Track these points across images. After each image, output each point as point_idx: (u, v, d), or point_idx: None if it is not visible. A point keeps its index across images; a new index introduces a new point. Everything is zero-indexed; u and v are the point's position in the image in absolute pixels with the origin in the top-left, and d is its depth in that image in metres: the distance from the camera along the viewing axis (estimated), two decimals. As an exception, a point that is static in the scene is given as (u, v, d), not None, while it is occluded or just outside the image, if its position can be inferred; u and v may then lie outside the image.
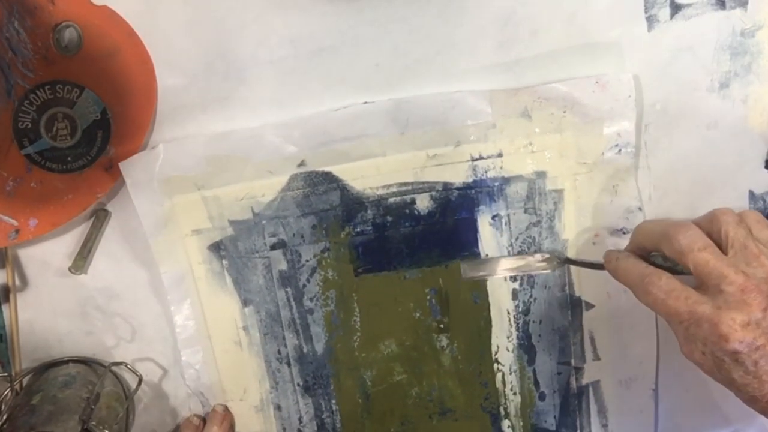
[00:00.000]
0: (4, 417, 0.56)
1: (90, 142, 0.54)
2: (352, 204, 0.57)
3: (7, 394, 0.59)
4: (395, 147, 0.56)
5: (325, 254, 0.59)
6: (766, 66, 0.56)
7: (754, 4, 0.55)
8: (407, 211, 0.58)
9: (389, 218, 0.58)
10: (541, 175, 0.57)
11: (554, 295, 0.60)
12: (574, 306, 0.60)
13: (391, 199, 0.57)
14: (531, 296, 0.60)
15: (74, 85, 0.52)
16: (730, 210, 0.50)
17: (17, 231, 0.55)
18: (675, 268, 0.49)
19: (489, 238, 0.59)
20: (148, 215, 0.56)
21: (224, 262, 0.58)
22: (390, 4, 0.53)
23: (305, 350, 0.61)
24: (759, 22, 0.55)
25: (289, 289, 0.59)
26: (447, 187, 0.57)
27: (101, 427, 0.56)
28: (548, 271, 0.59)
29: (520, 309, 0.60)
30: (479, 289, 0.60)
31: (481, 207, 0.58)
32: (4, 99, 0.51)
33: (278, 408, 0.62)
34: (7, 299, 0.58)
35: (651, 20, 0.55)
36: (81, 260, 0.57)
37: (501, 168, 0.57)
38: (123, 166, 0.54)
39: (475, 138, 0.56)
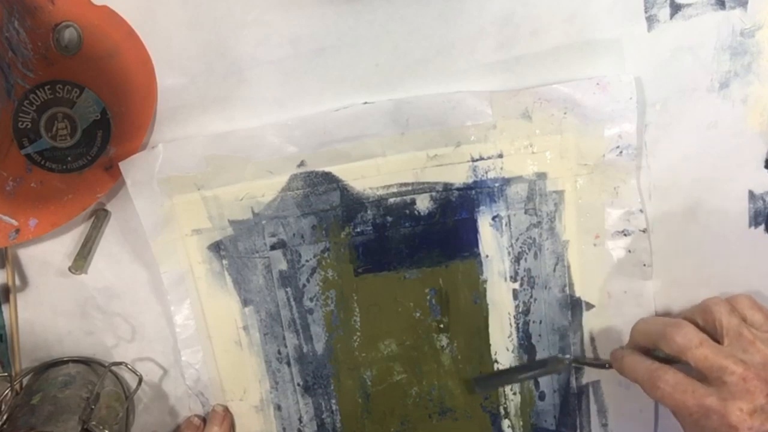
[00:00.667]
0: (4, 417, 0.56)
1: (90, 142, 0.54)
2: (352, 204, 0.57)
3: (7, 394, 0.59)
4: (395, 147, 0.56)
5: (325, 254, 0.59)
6: (766, 66, 0.56)
7: (754, 4, 0.55)
8: (407, 211, 0.58)
9: (389, 218, 0.58)
10: (542, 176, 0.57)
11: (554, 296, 0.60)
12: (574, 306, 0.61)
13: (392, 200, 0.57)
14: (531, 296, 0.60)
15: (74, 85, 0.52)
16: (721, 299, 0.52)
17: (17, 231, 0.55)
18: (679, 360, 0.51)
19: (489, 238, 0.59)
20: (148, 215, 0.56)
21: (224, 262, 0.58)
22: (390, 4, 0.53)
23: (305, 350, 0.61)
24: (759, 22, 0.55)
25: (289, 289, 0.59)
26: (447, 187, 0.57)
27: (101, 427, 0.56)
28: (558, 374, 0.61)
29: (520, 309, 0.61)
30: (479, 289, 0.60)
31: (482, 208, 0.58)
32: (4, 99, 0.51)
33: (278, 408, 0.62)
34: (7, 299, 0.58)
35: (651, 20, 0.55)
36: (81, 260, 0.57)
37: (501, 169, 0.57)
38: (123, 165, 0.54)
39: (476, 139, 0.56)
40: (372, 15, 0.54)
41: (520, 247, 0.59)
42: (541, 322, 0.61)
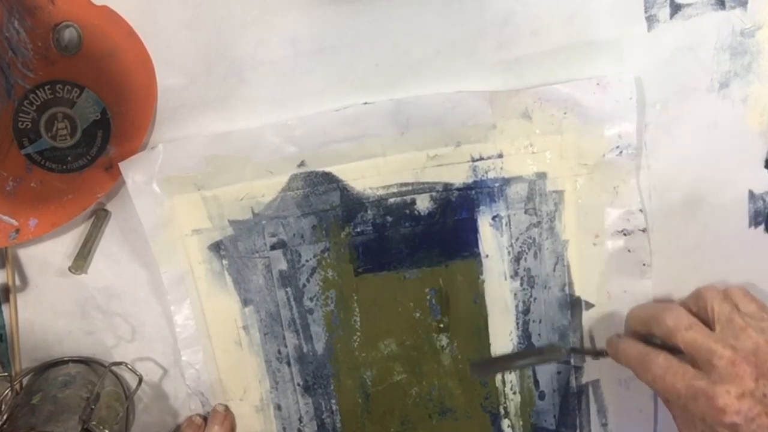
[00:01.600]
0: (4, 417, 0.56)
1: (90, 142, 0.54)
2: (352, 204, 0.57)
3: (7, 394, 0.59)
4: (395, 147, 0.56)
5: (325, 254, 0.59)
6: (766, 66, 0.56)
7: (754, 4, 0.55)
8: (407, 211, 0.58)
9: (389, 218, 0.58)
10: (542, 176, 0.57)
11: (554, 295, 0.60)
12: (574, 305, 0.61)
13: (391, 200, 0.57)
14: (531, 296, 0.60)
15: (74, 85, 0.52)
16: (715, 286, 0.52)
17: (17, 231, 0.55)
18: (674, 347, 0.51)
19: (489, 238, 0.59)
20: (147, 215, 0.56)
21: (224, 261, 0.58)
22: (390, 4, 0.53)
23: (305, 350, 0.61)
24: (759, 22, 0.55)
25: (289, 289, 0.59)
26: (447, 187, 0.57)
27: (101, 427, 0.56)
28: (555, 362, 0.61)
29: (520, 309, 0.61)
30: (479, 289, 0.60)
31: (482, 207, 0.58)
32: (4, 99, 0.51)
33: (278, 408, 0.62)
34: (7, 299, 0.58)
35: (651, 20, 0.55)
36: (81, 260, 0.57)
37: (501, 169, 0.57)
38: (122, 166, 0.54)
39: (476, 138, 0.56)
40: (372, 15, 0.54)
41: (520, 247, 0.59)
42: (540, 322, 0.61)
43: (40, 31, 0.50)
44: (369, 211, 0.58)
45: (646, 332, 0.53)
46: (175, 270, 0.58)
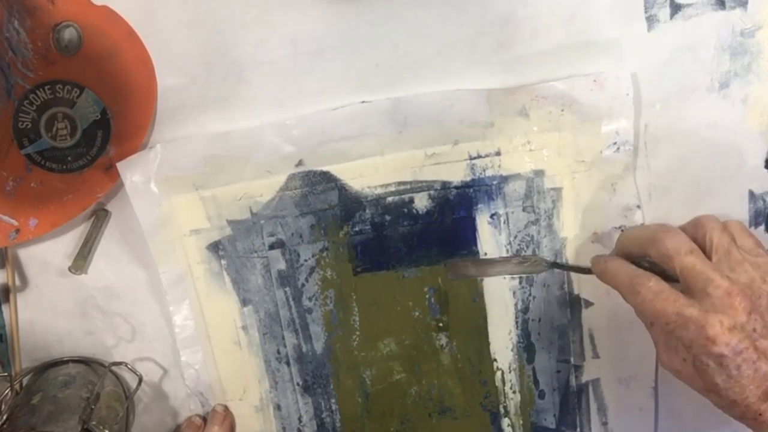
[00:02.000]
0: (4, 417, 0.56)
1: (90, 142, 0.54)
2: (350, 203, 0.57)
3: (7, 394, 0.59)
4: (393, 146, 0.56)
5: (324, 254, 0.59)
6: (766, 66, 0.56)
7: (754, 4, 0.55)
8: (406, 210, 0.58)
9: (388, 217, 0.58)
10: (540, 173, 0.57)
11: (553, 293, 0.60)
12: (573, 304, 0.60)
13: (390, 198, 0.58)
14: (530, 294, 0.60)
15: (74, 85, 0.52)
16: (715, 216, 0.51)
17: (17, 231, 0.55)
18: (663, 273, 0.49)
19: (487, 236, 0.59)
20: (146, 215, 0.56)
21: (223, 262, 0.58)
22: (390, 4, 0.53)
23: (304, 350, 0.61)
24: (759, 22, 0.55)
25: (287, 289, 0.59)
26: (445, 185, 0.57)
27: (101, 427, 0.56)
28: (533, 274, 0.60)
29: (519, 307, 0.60)
30: (478, 288, 0.60)
31: (480, 206, 0.58)
32: (4, 99, 0.51)
33: (278, 407, 0.62)
34: (7, 299, 0.59)
35: (651, 20, 0.55)
36: (81, 260, 0.58)
37: (499, 166, 0.57)
38: (121, 166, 0.54)
39: (473, 137, 0.56)
40: (372, 15, 0.54)
41: (519, 245, 0.59)
42: (540, 320, 0.61)
43: (40, 31, 0.51)
44: (367, 210, 0.58)
45: (640, 253, 0.52)
46: (174, 270, 0.58)
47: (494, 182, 0.58)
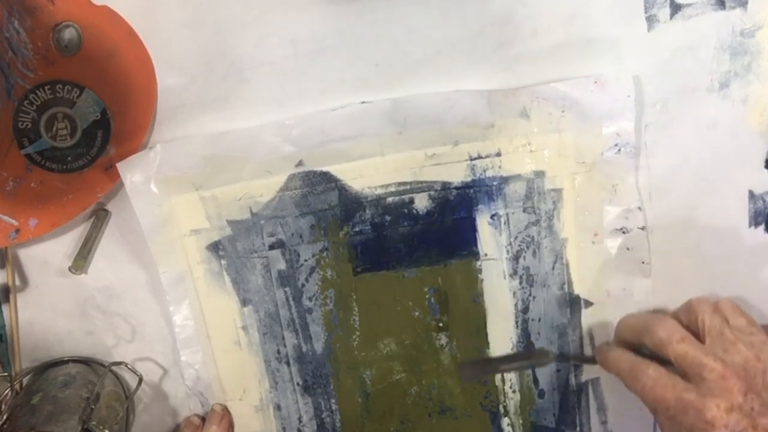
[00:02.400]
0: (4, 417, 0.56)
1: (90, 142, 0.54)
2: (350, 203, 0.57)
3: (7, 394, 0.59)
4: (393, 146, 0.56)
5: (324, 254, 0.59)
6: (766, 66, 0.56)
7: (754, 4, 0.55)
8: (406, 210, 0.58)
9: (388, 218, 0.58)
10: (540, 174, 0.57)
11: (553, 294, 0.60)
12: (573, 304, 0.60)
13: (390, 199, 0.57)
14: (530, 294, 0.60)
15: (74, 85, 0.52)
16: (706, 299, 0.53)
17: (17, 231, 0.55)
18: (663, 358, 0.51)
19: (488, 237, 0.59)
20: (146, 215, 0.56)
21: (223, 262, 0.58)
22: (390, 4, 0.53)
23: (304, 350, 0.61)
24: (759, 22, 0.55)
25: (287, 289, 0.59)
26: (445, 186, 0.57)
27: (101, 427, 0.56)
28: (543, 366, 0.61)
29: (519, 307, 0.60)
30: (478, 288, 0.60)
31: (480, 206, 0.58)
32: (4, 99, 0.51)
33: (278, 407, 0.62)
34: (7, 299, 0.59)
35: (651, 20, 0.55)
36: (81, 260, 0.58)
37: (499, 167, 0.57)
38: (120, 166, 0.54)
39: (474, 137, 0.56)
40: (372, 15, 0.54)
41: (519, 246, 0.59)
42: (540, 320, 0.61)
43: (40, 31, 0.51)
44: (367, 211, 0.58)
45: (637, 342, 0.54)
46: (174, 270, 0.58)
47: (495, 183, 0.57)
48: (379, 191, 0.57)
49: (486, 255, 0.59)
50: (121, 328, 0.61)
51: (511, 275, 0.60)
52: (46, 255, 0.58)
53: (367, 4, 0.53)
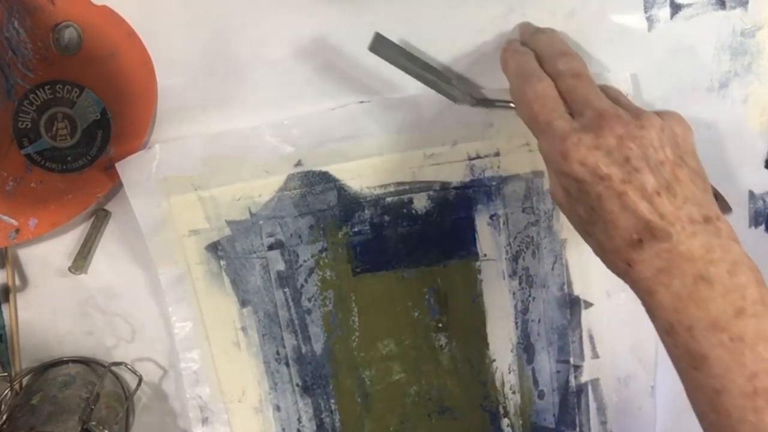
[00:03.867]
0: (4, 417, 0.57)
1: (90, 142, 0.54)
2: (349, 204, 0.57)
3: (7, 394, 0.59)
4: (392, 146, 0.56)
5: (323, 254, 0.59)
6: (766, 66, 0.56)
7: (754, 4, 0.55)
8: (405, 210, 0.58)
9: (387, 218, 0.58)
10: (539, 174, 0.57)
11: (553, 294, 0.60)
12: (573, 305, 0.60)
13: (389, 199, 0.57)
14: (529, 295, 0.60)
15: (74, 85, 0.53)
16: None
17: (17, 231, 0.55)
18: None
19: (487, 237, 0.59)
20: (145, 216, 0.56)
21: (222, 262, 0.58)
22: (390, 4, 0.53)
23: (304, 350, 0.61)
24: (759, 22, 0.55)
25: (287, 290, 0.59)
26: (444, 186, 0.57)
27: (101, 427, 0.56)
28: (454, 101, 0.52)
29: (518, 308, 0.60)
30: (477, 288, 0.60)
31: (479, 206, 0.58)
32: (4, 99, 0.51)
33: (277, 408, 0.62)
34: (7, 299, 0.59)
35: (651, 20, 0.55)
36: (81, 260, 0.58)
37: (498, 167, 0.57)
38: (119, 166, 0.54)
39: (472, 137, 0.56)
40: (372, 15, 0.54)
41: (518, 246, 0.59)
42: (539, 321, 0.61)
43: (40, 31, 0.51)
44: (366, 211, 0.58)
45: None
46: (173, 271, 0.58)
47: (493, 183, 0.57)
48: (378, 191, 0.57)
49: (485, 255, 0.59)
50: (121, 329, 0.61)
51: (510, 276, 0.60)
52: (46, 255, 0.58)
53: (367, 4, 0.53)
